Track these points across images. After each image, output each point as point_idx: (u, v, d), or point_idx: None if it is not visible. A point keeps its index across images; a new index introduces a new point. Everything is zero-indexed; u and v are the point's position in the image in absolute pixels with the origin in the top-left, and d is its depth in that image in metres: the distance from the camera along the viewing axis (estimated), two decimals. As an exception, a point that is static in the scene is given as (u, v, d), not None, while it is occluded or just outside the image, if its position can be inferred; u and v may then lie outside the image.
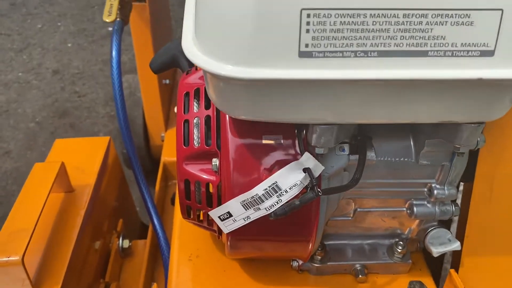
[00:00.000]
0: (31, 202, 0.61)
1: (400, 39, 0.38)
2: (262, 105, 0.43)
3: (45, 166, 0.66)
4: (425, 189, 0.58)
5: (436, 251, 0.60)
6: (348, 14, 0.36)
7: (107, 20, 0.88)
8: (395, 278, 0.64)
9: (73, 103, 1.86)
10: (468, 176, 0.60)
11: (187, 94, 0.57)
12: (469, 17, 0.37)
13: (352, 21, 0.37)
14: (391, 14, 0.37)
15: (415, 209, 0.59)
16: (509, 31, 0.38)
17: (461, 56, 0.38)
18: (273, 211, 0.50)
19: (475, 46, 0.38)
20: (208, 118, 0.54)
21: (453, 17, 0.37)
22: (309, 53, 0.37)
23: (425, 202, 0.59)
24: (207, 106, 0.55)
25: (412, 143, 0.55)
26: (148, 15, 1.11)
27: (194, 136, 0.55)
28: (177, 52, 0.73)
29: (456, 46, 0.38)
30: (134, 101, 1.38)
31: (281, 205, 0.49)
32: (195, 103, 0.56)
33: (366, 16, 0.37)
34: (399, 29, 0.37)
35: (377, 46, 0.38)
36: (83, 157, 0.79)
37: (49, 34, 2.20)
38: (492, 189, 0.61)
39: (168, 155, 1.12)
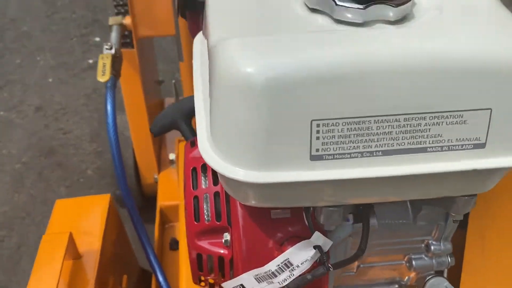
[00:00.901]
0: (45, 278, 0.62)
1: (402, 139, 0.41)
2: (273, 197, 0.46)
3: (53, 238, 0.67)
4: (423, 245, 0.62)
5: (434, 299, 0.64)
6: (354, 122, 0.40)
7: (102, 80, 0.90)
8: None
9: (59, 141, 1.85)
10: (461, 224, 0.65)
11: (195, 169, 0.60)
12: (462, 117, 0.41)
13: (358, 127, 0.40)
14: (393, 119, 0.40)
15: (413, 262, 0.62)
16: (498, 126, 0.42)
17: (457, 150, 0.42)
18: (286, 285, 0.53)
19: (468, 140, 0.42)
20: (217, 194, 0.57)
21: (448, 118, 0.41)
22: (320, 156, 0.41)
23: (423, 256, 0.63)
24: (216, 182, 0.58)
25: (409, 207, 0.58)
26: (137, 59, 1.14)
27: (205, 212, 0.57)
28: (177, 116, 0.76)
29: (451, 142, 0.42)
30: (123, 140, 1.39)
31: (294, 279, 0.52)
32: (203, 179, 0.59)
33: (370, 122, 0.40)
34: (401, 130, 0.41)
35: (381, 147, 0.41)
36: (86, 219, 0.80)
37: (29, 69, 2.18)
38: (484, 237, 0.66)
39: (164, 200, 1.14)
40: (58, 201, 0.84)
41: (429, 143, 0.42)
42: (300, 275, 0.52)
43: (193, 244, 0.58)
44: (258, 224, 0.54)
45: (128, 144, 1.37)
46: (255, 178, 0.41)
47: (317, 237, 0.51)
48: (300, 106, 0.39)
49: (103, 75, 0.91)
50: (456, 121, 0.41)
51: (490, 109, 0.41)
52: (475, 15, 0.45)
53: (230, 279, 0.57)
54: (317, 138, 0.40)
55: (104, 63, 0.93)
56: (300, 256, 0.51)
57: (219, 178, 0.52)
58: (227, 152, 0.42)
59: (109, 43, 0.96)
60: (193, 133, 0.76)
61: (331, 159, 0.41)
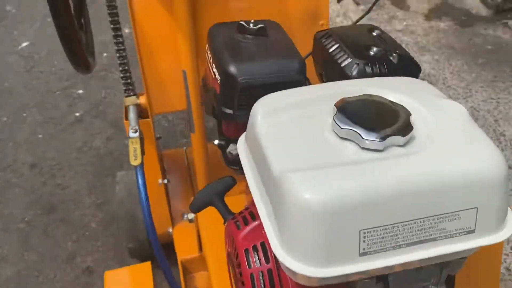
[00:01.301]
0: None
1: (419, 234, 0.59)
2: (326, 281, 0.62)
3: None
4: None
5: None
6: (387, 227, 0.57)
7: (135, 164, 1.03)
8: None
9: (58, 197, 1.93)
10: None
11: (247, 250, 0.75)
12: (458, 215, 0.59)
13: (390, 230, 0.57)
14: (413, 222, 0.57)
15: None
16: (482, 217, 0.60)
17: (455, 236, 0.60)
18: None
19: (463, 229, 0.60)
20: (270, 271, 0.72)
21: (449, 217, 0.59)
22: (365, 253, 0.57)
23: (426, 298, 0.80)
24: (267, 261, 0.73)
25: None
26: (151, 127, 1.27)
27: (261, 286, 0.72)
28: (214, 196, 0.91)
29: (452, 231, 0.60)
30: (135, 197, 1.51)
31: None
32: (256, 258, 0.74)
33: (398, 226, 0.57)
34: (418, 228, 0.58)
35: (406, 241, 0.58)
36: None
37: (17, 126, 2.25)
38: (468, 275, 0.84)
39: (183, 253, 1.27)
40: (106, 273, 0.96)
41: (437, 235, 0.59)
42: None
43: (254, 313, 0.72)
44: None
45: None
46: (320, 274, 0.57)
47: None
48: (351, 222, 0.56)
49: (136, 159, 1.05)
50: (454, 218, 0.59)
51: (476, 207, 0.59)
52: (456, 138, 0.63)
53: None
54: (364, 241, 0.57)
55: (134, 147, 1.06)
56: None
57: (288, 273, 0.66)
58: (297, 255, 0.58)
59: (133, 127, 1.09)
60: (229, 211, 0.90)
61: (373, 253, 0.58)
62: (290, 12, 1.19)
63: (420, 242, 0.59)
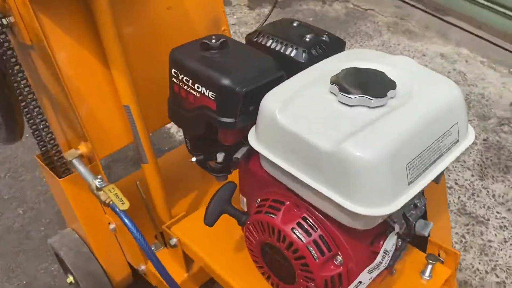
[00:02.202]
0: None
1: (434, 154, 0.78)
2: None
3: None
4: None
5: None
6: (419, 156, 0.74)
7: (124, 208, 1.00)
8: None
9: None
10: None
11: (293, 229, 0.84)
12: (450, 131, 0.80)
13: (420, 157, 0.75)
14: (430, 146, 0.76)
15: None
16: (460, 129, 0.82)
17: (450, 148, 0.81)
18: (387, 265, 0.84)
19: (453, 141, 0.81)
20: (321, 236, 0.83)
21: (446, 134, 0.79)
22: (412, 181, 0.74)
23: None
24: (314, 230, 0.84)
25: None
26: (102, 171, 1.21)
27: (318, 251, 0.83)
28: (224, 205, 0.97)
29: (448, 145, 0.80)
30: (85, 254, 1.41)
31: (389, 259, 0.84)
32: (304, 231, 0.84)
33: (424, 153, 0.75)
34: (433, 150, 0.77)
35: (429, 162, 0.77)
36: None
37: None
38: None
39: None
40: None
41: (442, 150, 0.79)
42: (392, 255, 0.84)
43: (319, 276, 0.83)
44: (357, 240, 0.84)
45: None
46: (389, 210, 0.72)
47: (397, 227, 0.84)
48: (400, 161, 0.72)
49: (123, 203, 1.01)
50: (449, 134, 0.80)
51: (457, 122, 0.81)
52: (424, 82, 0.83)
53: (348, 286, 0.85)
54: (409, 172, 0.73)
55: (115, 193, 1.02)
56: (390, 243, 0.84)
57: (348, 219, 0.78)
58: (368, 203, 0.71)
59: (98, 177, 1.04)
60: (243, 212, 0.97)
61: (415, 180, 0.75)
62: (195, 23, 1.27)
63: (435, 160, 0.79)
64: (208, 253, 1.15)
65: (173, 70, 0.92)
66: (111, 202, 1.07)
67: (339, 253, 0.84)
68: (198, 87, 0.87)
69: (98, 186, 1.06)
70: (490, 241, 1.80)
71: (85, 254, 1.41)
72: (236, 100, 0.84)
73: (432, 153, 0.78)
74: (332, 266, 0.85)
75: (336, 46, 1.02)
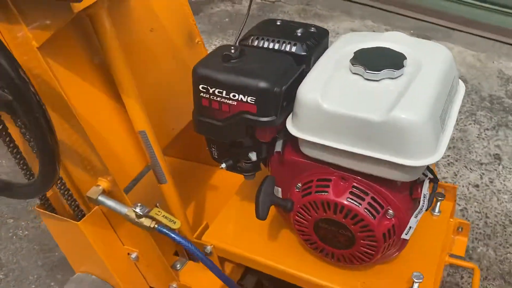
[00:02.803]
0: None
1: (449, 104, 0.94)
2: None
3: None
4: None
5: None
6: (443, 105, 0.90)
7: (177, 227, 1.03)
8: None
9: None
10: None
11: (348, 198, 0.95)
12: (453, 84, 0.97)
13: (444, 105, 0.91)
14: (447, 94, 0.92)
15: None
16: (456, 81, 0.99)
17: (454, 96, 0.98)
18: (426, 207, 0.99)
19: (455, 91, 0.98)
20: (373, 198, 0.96)
21: (452, 87, 0.96)
22: (444, 130, 0.90)
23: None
24: (366, 194, 0.96)
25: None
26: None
27: (373, 211, 0.95)
28: (271, 198, 1.04)
29: (453, 94, 0.97)
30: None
31: (427, 201, 0.99)
32: (358, 198, 0.95)
33: (446, 102, 0.91)
34: (448, 100, 0.93)
35: (447, 111, 0.93)
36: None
37: None
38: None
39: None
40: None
41: (452, 100, 0.96)
42: (428, 197, 1.00)
43: (379, 231, 0.96)
44: (401, 193, 0.97)
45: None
46: (438, 157, 0.86)
47: (429, 174, 0.99)
48: (436, 114, 0.86)
49: (175, 223, 1.03)
50: (452, 86, 0.96)
51: (454, 76, 0.98)
52: (426, 53, 0.98)
53: (400, 235, 0.99)
54: (441, 122, 0.88)
55: (163, 215, 1.04)
56: (426, 188, 0.99)
57: (400, 175, 0.90)
58: (425, 156, 0.85)
59: (138, 205, 1.05)
60: (287, 199, 1.06)
61: (443, 123, 0.90)
62: (174, 40, 1.30)
63: (449, 109, 0.95)
64: (249, 250, 1.21)
65: (201, 86, 0.97)
66: (156, 226, 1.09)
67: (390, 208, 0.97)
68: (234, 96, 0.94)
69: (141, 213, 1.07)
70: (444, 177, 2.08)
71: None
72: (276, 99, 0.93)
73: (448, 104, 0.94)
74: (387, 221, 0.98)
75: (323, 35, 1.13)
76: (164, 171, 1.21)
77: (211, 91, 0.96)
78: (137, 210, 1.07)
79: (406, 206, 0.99)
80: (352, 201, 0.97)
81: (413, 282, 1.04)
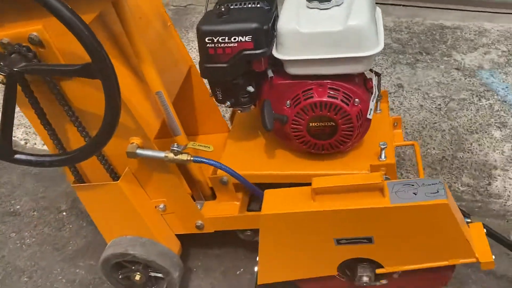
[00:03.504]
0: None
1: (374, 12, 1.38)
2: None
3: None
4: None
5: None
6: (372, 14, 1.34)
7: (211, 150, 1.35)
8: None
9: None
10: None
11: (330, 96, 1.35)
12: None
13: (373, 15, 1.35)
14: (373, 7, 1.37)
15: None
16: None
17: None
18: (377, 92, 1.43)
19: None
20: (350, 89, 1.36)
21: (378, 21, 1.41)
22: (378, 30, 1.34)
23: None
24: (337, 92, 1.36)
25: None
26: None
27: (347, 101, 1.36)
28: (272, 112, 1.40)
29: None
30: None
31: (376, 89, 1.43)
32: (339, 95, 1.35)
33: (372, 13, 1.35)
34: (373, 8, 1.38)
35: (374, 17, 1.37)
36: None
37: None
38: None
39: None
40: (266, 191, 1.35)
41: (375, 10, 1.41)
42: (377, 86, 1.43)
43: (353, 113, 1.36)
44: (360, 86, 1.39)
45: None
46: (381, 47, 1.29)
47: (373, 70, 1.42)
48: (373, 20, 1.29)
49: (209, 147, 1.35)
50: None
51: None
52: None
53: (366, 116, 1.41)
54: (372, 24, 1.32)
55: (198, 144, 1.35)
56: (374, 80, 1.42)
57: (361, 66, 1.33)
58: (371, 47, 1.27)
59: (174, 145, 1.36)
60: (281, 114, 1.42)
61: (378, 29, 1.34)
62: (154, 24, 1.61)
63: (374, 12, 1.39)
64: (256, 169, 1.55)
65: (207, 39, 1.31)
66: (191, 158, 1.39)
67: (356, 97, 1.39)
68: (234, 39, 1.29)
69: (178, 150, 1.37)
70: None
71: (150, 243, 1.62)
72: (266, 34, 1.30)
73: (373, 12, 1.38)
74: (355, 107, 1.39)
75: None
76: (178, 124, 1.51)
77: (215, 40, 1.31)
78: (175, 147, 1.37)
79: (365, 95, 1.42)
80: (331, 97, 1.37)
81: (381, 148, 1.46)
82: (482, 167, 2.23)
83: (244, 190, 1.69)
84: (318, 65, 1.33)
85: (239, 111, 1.53)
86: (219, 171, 1.59)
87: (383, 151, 1.46)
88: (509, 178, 2.20)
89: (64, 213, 2.11)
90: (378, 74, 1.47)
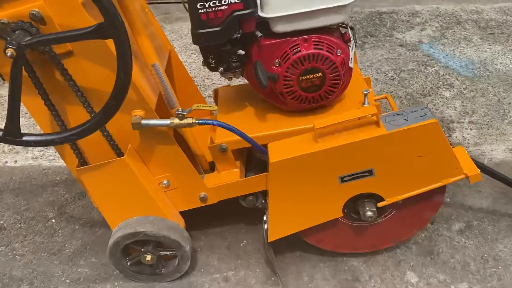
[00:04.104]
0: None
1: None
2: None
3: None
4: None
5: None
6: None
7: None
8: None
9: None
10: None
11: (316, 49, 1.48)
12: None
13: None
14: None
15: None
16: None
17: None
18: (355, 43, 1.58)
19: None
20: (327, 44, 1.50)
21: None
22: (350, -14, 1.50)
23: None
24: (321, 45, 1.49)
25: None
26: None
27: (331, 50, 1.49)
28: (265, 71, 1.51)
29: None
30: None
31: (353, 39, 1.58)
32: (324, 46, 1.48)
33: None
34: None
35: None
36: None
37: None
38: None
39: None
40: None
41: None
42: (353, 37, 1.58)
43: (338, 61, 1.50)
44: (339, 38, 1.53)
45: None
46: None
47: (348, 26, 1.57)
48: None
49: (214, 107, 1.41)
50: None
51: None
52: None
53: (348, 64, 1.55)
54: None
55: (203, 105, 1.41)
56: (351, 33, 1.57)
57: (340, 17, 1.47)
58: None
59: (180, 110, 1.42)
60: (272, 73, 1.52)
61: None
62: (137, 10, 1.67)
63: None
64: (250, 132, 1.64)
65: (198, 4, 1.40)
66: (197, 121, 1.45)
67: (338, 48, 1.53)
68: (225, 1, 1.39)
69: (183, 113, 1.42)
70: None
71: (158, 219, 1.63)
72: (253, -6, 1.42)
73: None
74: (339, 57, 1.53)
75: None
76: (174, 97, 1.57)
77: (207, 5, 1.40)
78: (180, 112, 1.43)
79: (344, 46, 1.56)
80: (317, 49, 1.50)
81: (364, 95, 1.61)
82: (441, 123, 2.46)
83: (242, 158, 1.76)
84: (302, 19, 1.46)
85: (225, 84, 1.61)
86: (217, 139, 1.66)
87: (366, 97, 1.61)
88: (466, 128, 2.44)
89: (53, 220, 2.05)
90: (352, 28, 1.62)
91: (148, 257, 1.67)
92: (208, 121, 1.46)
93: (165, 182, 1.65)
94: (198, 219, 1.94)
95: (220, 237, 1.94)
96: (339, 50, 1.52)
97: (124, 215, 1.65)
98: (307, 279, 1.78)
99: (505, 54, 2.96)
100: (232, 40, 1.51)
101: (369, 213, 1.56)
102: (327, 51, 1.50)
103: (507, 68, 2.86)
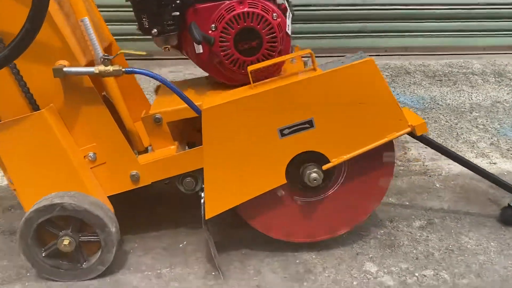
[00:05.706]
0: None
1: (278, -48, 1.62)
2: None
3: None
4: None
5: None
6: None
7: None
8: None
9: None
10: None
11: (254, 11, 1.47)
12: None
13: None
14: None
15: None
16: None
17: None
18: (291, 12, 1.59)
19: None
20: (262, 6, 1.50)
21: None
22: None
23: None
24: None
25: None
26: None
27: (267, 13, 1.49)
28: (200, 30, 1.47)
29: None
30: None
31: (290, 8, 1.60)
32: (261, 9, 1.48)
33: None
34: None
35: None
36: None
37: None
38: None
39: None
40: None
41: None
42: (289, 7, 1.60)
43: (274, 24, 1.49)
44: (277, 7, 1.55)
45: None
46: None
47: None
48: None
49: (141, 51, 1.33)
50: None
51: None
52: None
53: (285, 30, 1.54)
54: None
55: (128, 49, 1.32)
56: (285, 2, 1.60)
57: None
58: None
59: (103, 55, 1.32)
60: (209, 35, 1.49)
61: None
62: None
63: None
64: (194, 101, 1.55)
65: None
66: (124, 69, 1.36)
67: (274, 12, 1.53)
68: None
69: (108, 58, 1.34)
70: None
71: (80, 194, 1.44)
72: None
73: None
74: (275, 21, 1.52)
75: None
76: (101, 50, 1.48)
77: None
78: (105, 56, 1.35)
79: (280, 12, 1.57)
80: (251, 8, 1.49)
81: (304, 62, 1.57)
82: (395, 142, 2.41)
83: (180, 138, 1.64)
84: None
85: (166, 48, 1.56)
86: (152, 110, 1.56)
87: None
88: (421, 146, 2.39)
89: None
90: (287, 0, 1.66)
91: (66, 241, 1.44)
92: (136, 70, 1.38)
93: (91, 154, 1.49)
94: (133, 223, 1.73)
95: (156, 240, 1.72)
96: (275, 14, 1.52)
97: (42, 191, 1.45)
98: (252, 273, 1.55)
99: (453, 93, 3.06)
100: (167, 1, 1.50)
101: (313, 175, 1.43)
102: (262, 10, 1.50)
103: (456, 102, 2.93)
